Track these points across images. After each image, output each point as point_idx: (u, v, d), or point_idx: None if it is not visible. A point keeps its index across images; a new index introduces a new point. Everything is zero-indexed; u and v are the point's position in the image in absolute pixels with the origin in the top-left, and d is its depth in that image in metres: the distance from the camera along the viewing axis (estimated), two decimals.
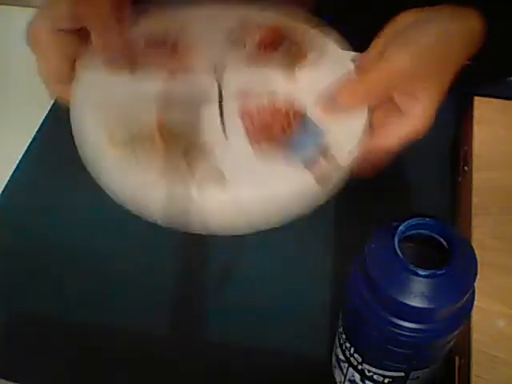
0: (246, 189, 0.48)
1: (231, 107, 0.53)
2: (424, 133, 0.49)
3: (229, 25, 0.57)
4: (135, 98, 0.52)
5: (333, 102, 0.50)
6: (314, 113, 0.53)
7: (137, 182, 0.47)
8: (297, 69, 0.56)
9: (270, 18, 0.58)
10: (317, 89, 0.55)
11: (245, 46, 0.56)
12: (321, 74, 0.56)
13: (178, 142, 0.50)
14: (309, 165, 0.50)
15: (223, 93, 0.54)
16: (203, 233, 0.47)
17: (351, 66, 0.56)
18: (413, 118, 0.49)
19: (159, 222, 0.46)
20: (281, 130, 0.52)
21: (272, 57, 0.56)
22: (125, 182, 0.48)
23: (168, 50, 0.55)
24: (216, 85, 0.54)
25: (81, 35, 0.50)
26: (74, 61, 0.51)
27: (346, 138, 0.51)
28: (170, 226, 0.47)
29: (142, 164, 0.48)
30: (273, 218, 0.48)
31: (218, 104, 0.53)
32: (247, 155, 0.50)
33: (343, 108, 0.50)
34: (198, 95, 0.53)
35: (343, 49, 0.57)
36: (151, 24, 0.57)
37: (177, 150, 0.49)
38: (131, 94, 0.52)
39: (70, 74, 0.51)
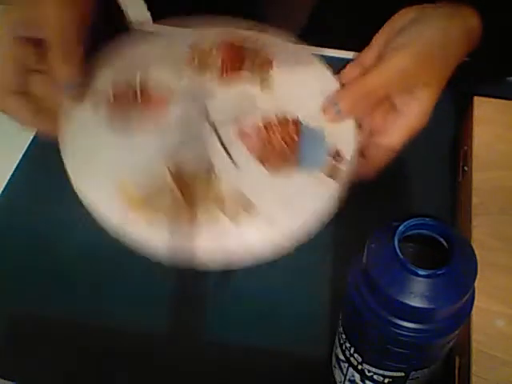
0: (275, 208, 0.49)
1: (227, 133, 0.53)
2: (421, 130, 0.49)
3: (182, 50, 0.57)
4: (135, 154, 0.51)
5: (336, 108, 0.50)
6: (306, 118, 0.53)
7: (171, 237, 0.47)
8: (269, 77, 0.56)
9: (220, 35, 0.58)
10: (295, 92, 0.55)
11: (208, 69, 0.56)
12: (292, 76, 0.56)
13: (195, 186, 0.49)
14: (324, 168, 0.50)
15: (213, 122, 0.53)
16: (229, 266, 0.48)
17: (312, 59, 0.56)
18: (409, 117, 0.49)
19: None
20: (283, 142, 0.52)
21: (240, 73, 0.56)
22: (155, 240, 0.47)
23: (140, 99, 0.54)
24: (205, 117, 0.54)
25: (39, 50, 0.47)
26: (28, 73, 0.48)
27: (343, 136, 0.52)
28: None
29: (170, 217, 0.47)
30: (300, 231, 0.49)
31: (214, 134, 0.53)
32: (262, 175, 0.50)
33: (346, 113, 0.50)
34: (193, 133, 0.53)
35: (301, 45, 0.58)
36: (112, 75, 0.55)
37: (197, 194, 0.49)
38: (128, 149, 0.51)
39: (20, 87, 0.48)
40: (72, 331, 0.51)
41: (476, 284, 0.36)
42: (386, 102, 0.50)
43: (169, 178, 0.49)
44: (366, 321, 0.38)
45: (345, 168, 0.50)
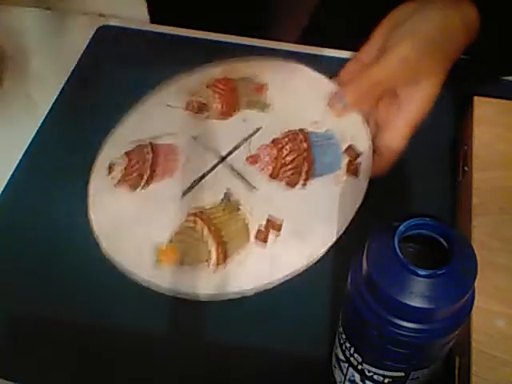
0: (305, 222, 0.49)
1: (238, 161, 0.53)
2: (422, 130, 0.49)
3: (180, 108, 0.58)
4: (163, 215, 0.52)
5: (342, 102, 0.50)
6: (313, 125, 0.53)
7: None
8: (266, 98, 0.56)
9: (214, 71, 0.59)
10: (296, 105, 0.55)
11: (207, 109, 0.57)
12: (289, 91, 0.57)
13: (227, 228, 0.50)
14: (343, 169, 0.50)
15: (230, 164, 0.54)
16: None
17: (306, 71, 0.57)
18: (411, 108, 0.49)
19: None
20: (296, 155, 0.52)
21: (239, 102, 0.56)
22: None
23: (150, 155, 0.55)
24: (217, 158, 0.54)
25: None
26: None
27: (354, 134, 0.52)
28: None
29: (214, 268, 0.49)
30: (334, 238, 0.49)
31: (231, 172, 0.53)
32: (284, 193, 0.51)
33: (353, 106, 0.50)
34: (210, 177, 0.53)
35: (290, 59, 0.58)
36: (123, 136, 0.57)
37: (230, 235, 0.50)
38: (154, 212, 0.53)
39: None
40: (72, 331, 0.51)
41: (476, 284, 0.36)
42: (388, 94, 0.50)
43: (205, 232, 0.50)
44: (366, 321, 0.38)
45: (362, 163, 0.50)
